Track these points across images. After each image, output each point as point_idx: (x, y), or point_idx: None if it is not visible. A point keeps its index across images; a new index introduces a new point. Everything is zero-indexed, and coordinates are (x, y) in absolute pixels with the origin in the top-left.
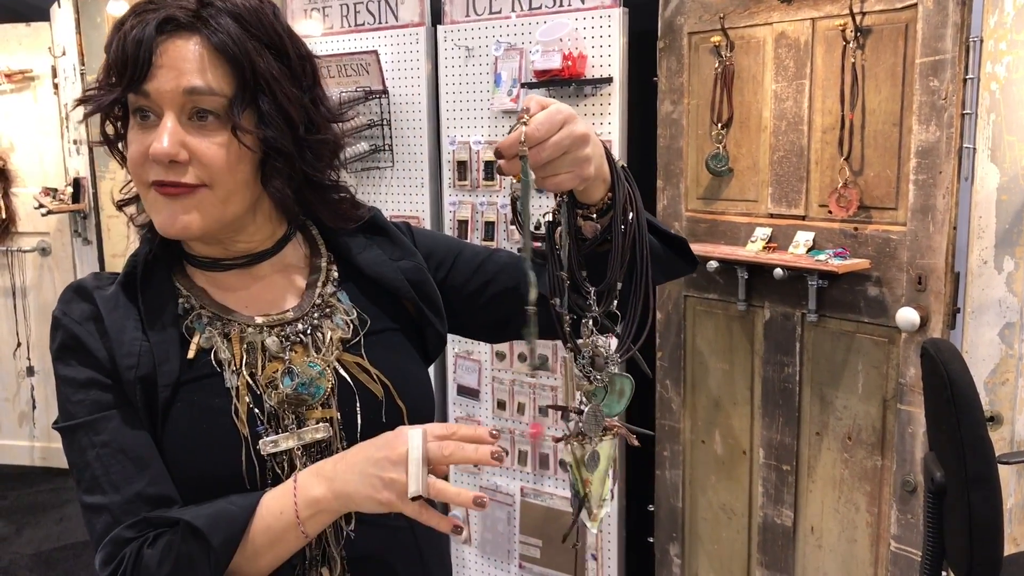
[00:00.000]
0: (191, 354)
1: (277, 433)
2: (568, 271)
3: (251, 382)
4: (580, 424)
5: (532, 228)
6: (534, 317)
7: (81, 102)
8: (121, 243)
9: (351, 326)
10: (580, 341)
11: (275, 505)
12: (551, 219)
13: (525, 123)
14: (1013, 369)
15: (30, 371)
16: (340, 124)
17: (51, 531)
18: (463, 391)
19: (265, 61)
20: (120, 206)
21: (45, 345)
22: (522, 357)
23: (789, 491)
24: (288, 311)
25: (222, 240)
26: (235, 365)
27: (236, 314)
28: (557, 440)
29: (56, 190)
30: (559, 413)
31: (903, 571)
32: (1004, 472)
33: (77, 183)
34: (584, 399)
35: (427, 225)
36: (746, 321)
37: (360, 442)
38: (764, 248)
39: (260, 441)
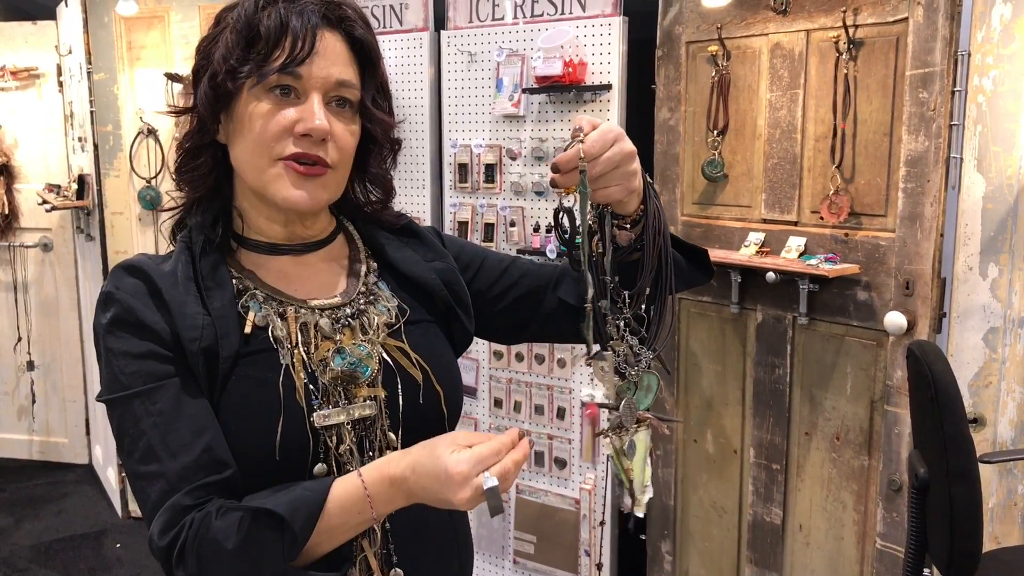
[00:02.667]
0: (247, 329)
1: (329, 408)
2: (596, 274)
3: (305, 359)
4: (617, 417)
5: (563, 233)
6: (590, 314)
7: (227, 72)
8: (124, 240)
9: (393, 313)
10: (612, 341)
11: (346, 497)
12: (587, 229)
13: (581, 141)
14: (996, 372)
15: (30, 366)
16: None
17: (50, 523)
18: None
19: (381, 63)
20: (166, 210)
21: (45, 340)
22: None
23: (779, 490)
24: (336, 296)
25: (303, 220)
26: (291, 342)
27: (289, 296)
28: (597, 435)
29: (60, 186)
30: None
31: (888, 568)
32: (986, 472)
33: (82, 180)
34: (616, 395)
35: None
36: (739, 323)
37: (403, 422)
38: (757, 252)
39: (314, 414)
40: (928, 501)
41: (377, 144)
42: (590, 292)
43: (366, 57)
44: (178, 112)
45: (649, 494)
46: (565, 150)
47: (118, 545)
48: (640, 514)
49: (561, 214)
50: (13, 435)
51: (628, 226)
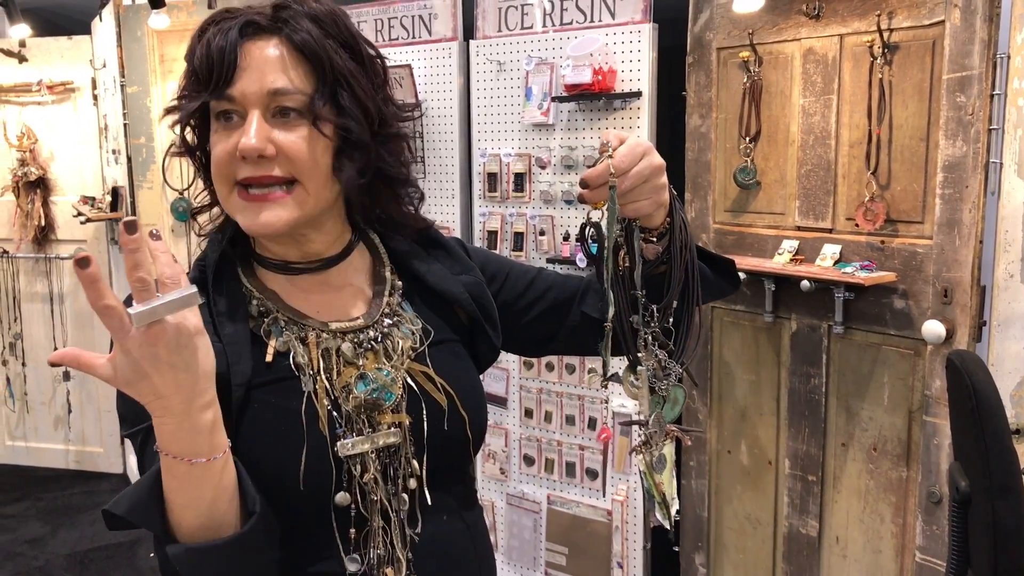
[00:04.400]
0: (268, 358)
1: (352, 436)
2: (626, 289)
3: (328, 386)
4: (647, 432)
5: (590, 248)
6: (609, 333)
7: (168, 111)
8: None
9: (417, 335)
10: (641, 355)
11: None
12: (613, 243)
13: (610, 156)
14: None
15: (66, 376)
16: (407, 122)
17: (85, 532)
18: (491, 399)
19: (341, 58)
20: (194, 214)
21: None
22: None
23: (814, 501)
24: (359, 318)
25: (298, 239)
26: (313, 369)
27: (310, 319)
28: (631, 452)
29: (94, 199)
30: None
31: None
32: None
33: (115, 192)
34: (642, 409)
35: (457, 235)
36: (773, 333)
37: (427, 449)
38: (791, 260)
39: (338, 443)
40: (970, 515)
41: (351, 146)
42: (611, 311)
43: (313, 55)
44: (179, 154)
45: (676, 506)
46: (593, 165)
47: (151, 555)
48: (669, 526)
49: (589, 229)
50: (50, 444)
51: (654, 239)
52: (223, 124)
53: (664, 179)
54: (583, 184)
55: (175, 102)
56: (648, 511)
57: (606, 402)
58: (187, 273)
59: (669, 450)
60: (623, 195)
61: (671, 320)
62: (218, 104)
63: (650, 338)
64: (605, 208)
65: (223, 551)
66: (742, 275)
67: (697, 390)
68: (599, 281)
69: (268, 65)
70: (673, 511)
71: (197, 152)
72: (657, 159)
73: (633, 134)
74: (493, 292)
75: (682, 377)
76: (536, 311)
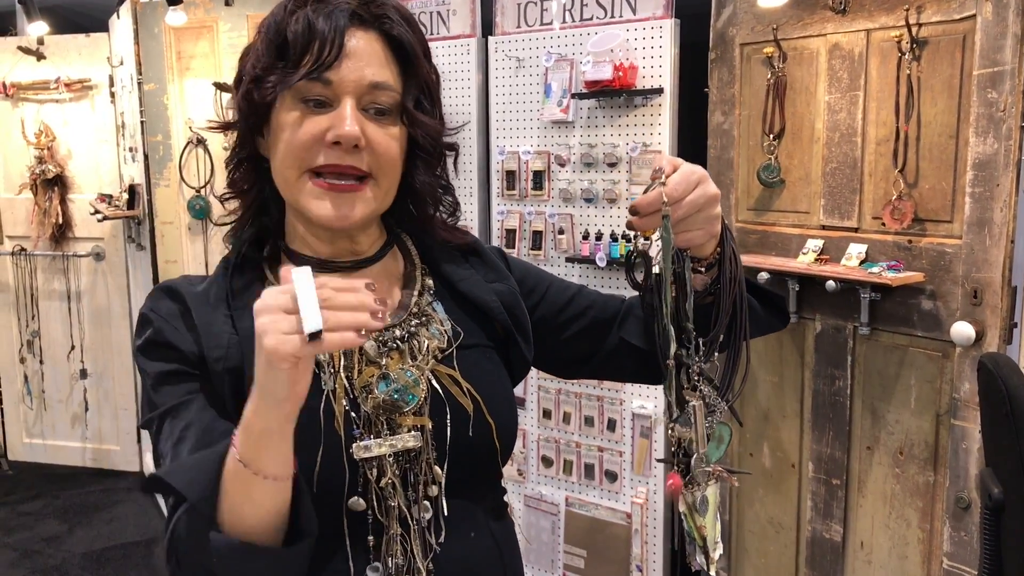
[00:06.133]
0: None
1: (370, 438)
2: (679, 321)
3: (347, 385)
4: (691, 472)
5: (636, 278)
6: (672, 371)
7: (254, 82)
8: (174, 249)
9: (445, 336)
10: (687, 391)
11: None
12: (658, 272)
13: (663, 183)
14: None
15: (83, 374)
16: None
17: (102, 531)
18: None
19: (427, 63)
20: (225, 199)
21: (98, 348)
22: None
23: (839, 505)
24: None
25: (348, 236)
26: (333, 367)
27: None
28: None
29: (111, 196)
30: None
31: None
32: None
33: (132, 190)
34: (686, 447)
35: (475, 234)
36: (797, 333)
37: (449, 456)
38: (816, 260)
39: (353, 445)
40: (1003, 523)
41: (424, 151)
42: (673, 347)
43: (406, 56)
44: (221, 127)
45: (719, 550)
46: (645, 191)
47: None
48: (713, 572)
49: (636, 257)
50: (67, 442)
51: (702, 269)
52: (308, 107)
53: (718, 209)
54: (633, 211)
55: (255, 72)
56: (688, 554)
57: (622, 403)
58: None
59: (713, 491)
60: (675, 224)
61: (716, 354)
62: (310, 86)
63: (697, 373)
64: (656, 238)
65: (268, 557)
66: (766, 275)
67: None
68: (644, 310)
69: (370, 57)
70: (716, 555)
71: (250, 132)
72: (712, 188)
73: (686, 164)
74: (532, 305)
75: (724, 414)
76: (575, 329)
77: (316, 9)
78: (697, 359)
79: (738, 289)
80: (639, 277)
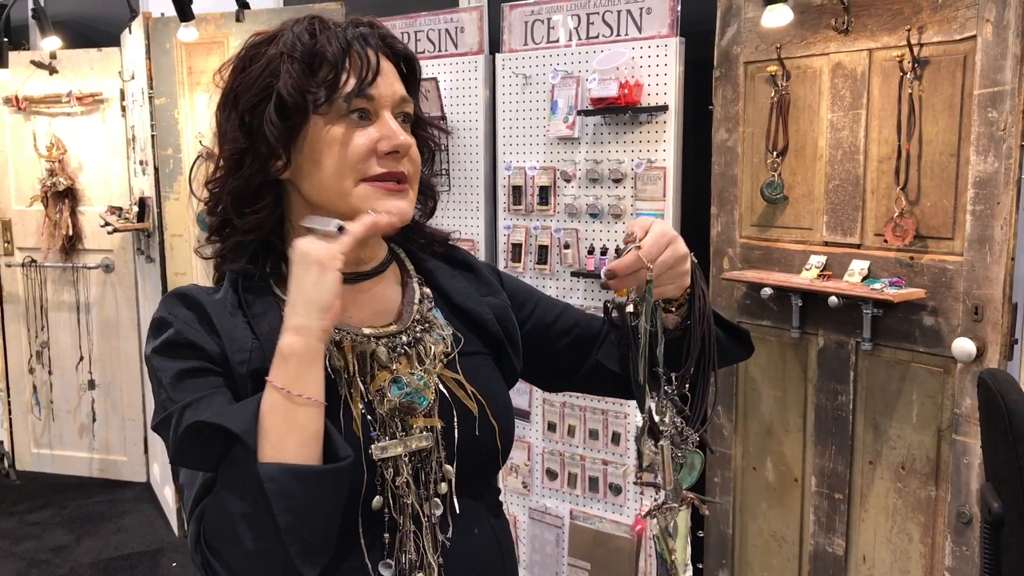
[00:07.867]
0: None
1: (386, 439)
2: (650, 360)
3: (363, 389)
4: (663, 498)
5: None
6: (646, 424)
7: (301, 100)
8: (183, 262)
9: (448, 342)
10: (661, 421)
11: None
12: (632, 310)
13: (638, 247)
14: None
15: (91, 384)
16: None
17: (109, 540)
18: (514, 412)
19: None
20: (244, 211)
21: (107, 359)
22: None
23: (841, 520)
24: (391, 324)
25: (364, 249)
26: (348, 373)
27: (344, 324)
28: (645, 515)
29: (121, 209)
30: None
31: None
32: None
33: (142, 202)
34: (654, 474)
35: (481, 248)
36: (799, 349)
37: (458, 455)
38: (819, 276)
39: (372, 446)
40: (1003, 537)
41: (428, 151)
42: (648, 402)
43: (411, 70)
44: (230, 155)
45: (689, 572)
46: (618, 255)
47: (174, 564)
48: None
49: (612, 309)
50: (74, 452)
51: (673, 309)
52: (355, 120)
53: (687, 265)
54: (609, 275)
55: (294, 93)
56: (659, 575)
57: (626, 416)
58: (226, 281)
59: (684, 517)
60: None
61: (687, 386)
62: (359, 101)
63: (668, 404)
64: (631, 297)
65: (315, 477)
66: (769, 291)
67: (723, 406)
68: (619, 349)
69: (392, 74)
70: None
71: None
72: (682, 248)
73: (657, 225)
74: (522, 319)
75: (695, 443)
76: (563, 343)
77: (342, 32)
78: (670, 390)
79: (707, 325)
80: (618, 322)
